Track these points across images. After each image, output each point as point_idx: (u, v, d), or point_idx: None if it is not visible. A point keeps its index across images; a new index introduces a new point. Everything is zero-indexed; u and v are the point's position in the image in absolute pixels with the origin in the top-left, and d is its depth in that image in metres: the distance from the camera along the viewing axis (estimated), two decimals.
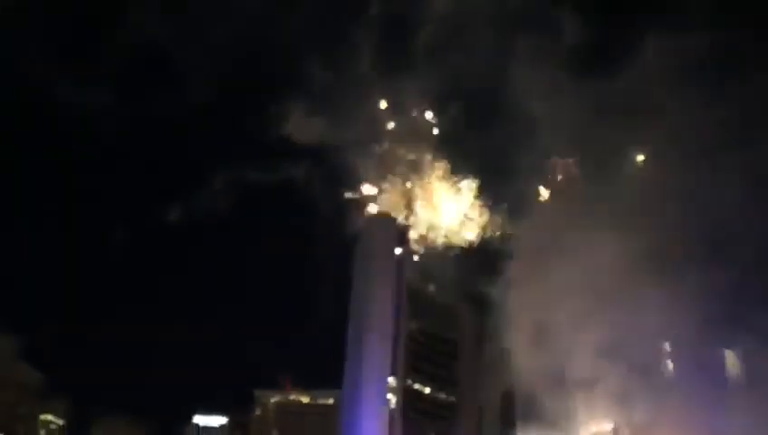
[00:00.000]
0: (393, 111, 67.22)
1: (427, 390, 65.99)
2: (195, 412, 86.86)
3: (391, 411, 62.55)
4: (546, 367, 50.23)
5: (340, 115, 61.90)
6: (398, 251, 66.51)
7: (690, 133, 48.52)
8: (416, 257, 67.34)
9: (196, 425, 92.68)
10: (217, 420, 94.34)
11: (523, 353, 51.52)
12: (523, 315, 51.68)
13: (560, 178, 63.05)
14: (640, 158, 58.97)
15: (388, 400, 63.04)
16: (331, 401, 77.26)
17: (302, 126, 62.45)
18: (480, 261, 62.00)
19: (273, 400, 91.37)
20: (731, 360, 53.74)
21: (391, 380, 63.18)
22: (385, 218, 67.26)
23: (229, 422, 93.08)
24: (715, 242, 47.51)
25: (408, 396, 64.51)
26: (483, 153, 60.24)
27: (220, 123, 70.23)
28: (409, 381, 64.72)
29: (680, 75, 50.07)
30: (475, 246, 66.13)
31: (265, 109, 64.19)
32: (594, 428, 53.49)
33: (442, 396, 67.12)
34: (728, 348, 53.65)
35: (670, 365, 54.06)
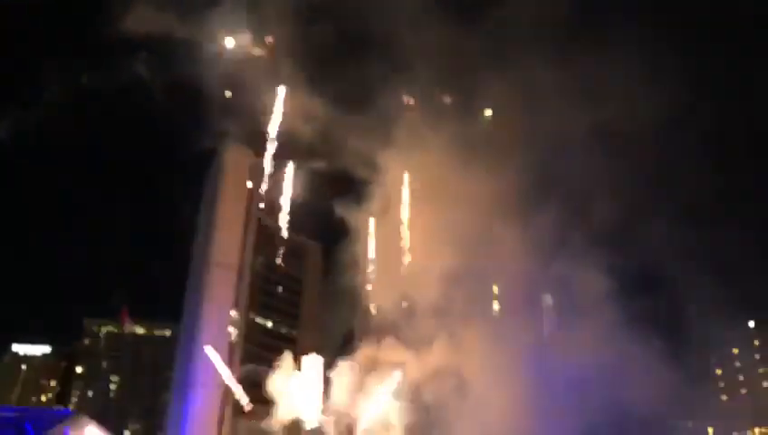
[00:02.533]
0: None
1: (269, 324, 66.62)
2: (14, 340, 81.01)
3: (231, 344, 62.51)
4: (398, 300, 51.93)
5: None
6: (249, 184, 65.25)
7: (534, 89, 51.66)
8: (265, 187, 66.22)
9: (16, 353, 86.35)
10: (40, 349, 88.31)
11: (376, 288, 52.69)
12: (379, 250, 52.85)
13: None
14: (488, 113, 61.80)
15: (229, 332, 62.95)
16: (167, 332, 75.14)
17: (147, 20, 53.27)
18: (340, 186, 60.62)
19: (104, 329, 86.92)
20: (547, 303, 58.97)
21: (233, 313, 63.31)
22: (238, 149, 65.14)
23: (53, 351, 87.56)
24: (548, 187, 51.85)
25: (249, 329, 64.30)
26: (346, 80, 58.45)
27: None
28: (251, 315, 65.10)
29: (532, 35, 52.61)
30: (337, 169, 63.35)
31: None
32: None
33: (284, 330, 67.81)
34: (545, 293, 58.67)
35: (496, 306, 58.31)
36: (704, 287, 57.43)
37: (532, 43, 52.03)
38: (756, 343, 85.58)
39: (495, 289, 57.08)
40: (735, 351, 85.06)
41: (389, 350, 52.96)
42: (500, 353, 48.67)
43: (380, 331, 54.02)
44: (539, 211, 50.28)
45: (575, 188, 52.43)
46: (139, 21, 49.90)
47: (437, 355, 49.69)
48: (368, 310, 55.22)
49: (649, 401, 48.39)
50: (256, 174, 66.06)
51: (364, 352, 54.24)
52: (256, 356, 61.77)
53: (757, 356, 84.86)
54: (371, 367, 53.12)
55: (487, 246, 50.44)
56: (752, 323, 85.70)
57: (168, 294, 61.08)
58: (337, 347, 62.56)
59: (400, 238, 53.51)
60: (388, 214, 54.32)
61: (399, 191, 56.81)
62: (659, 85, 52.19)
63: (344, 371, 52.32)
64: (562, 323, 54.25)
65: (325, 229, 60.45)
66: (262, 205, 65.17)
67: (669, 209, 57.40)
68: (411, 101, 59.77)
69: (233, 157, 65.12)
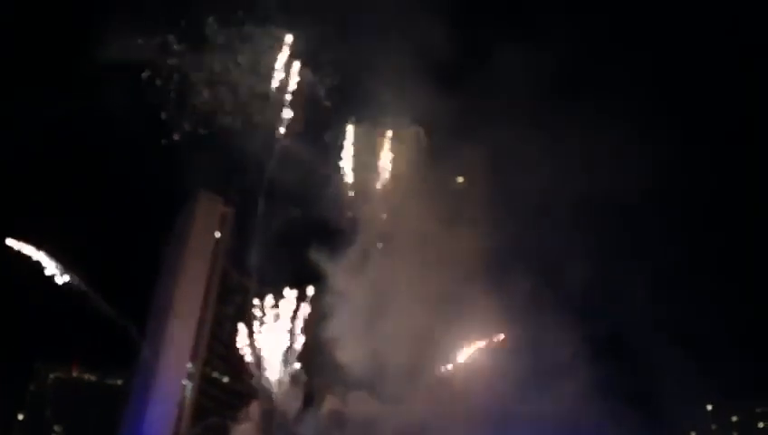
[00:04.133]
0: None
1: (226, 379, 65.02)
2: None
3: (183, 399, 60.80)
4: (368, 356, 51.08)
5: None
6: (217, 234, 64.69)
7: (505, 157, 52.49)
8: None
9: None
10: None
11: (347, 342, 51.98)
12: (346, 308, 52.30)
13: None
14: (460, 179, 62.82)
15: (184, 386, 61.32)
16: (119, 382, 72.82)
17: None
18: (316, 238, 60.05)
19: (52, 375, 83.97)
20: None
21: (189, 365, 61.76)
22: (209, 197, 64.53)
23: None
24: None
25: (203, 383, 62.62)
26: None
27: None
28: (208, 369, 63.44)
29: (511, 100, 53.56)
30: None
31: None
32: None
33: (238, 386, 66.07)
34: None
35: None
36: (669, 362, 58.21)
37: (511, 107, 53.46)
38: (713, 427, 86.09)
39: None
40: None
41: (359, 403, 52.65)
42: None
43: (350, 385, 53.53)
44: (508, 275, 50.93)
45: (547, 254, 53.42)
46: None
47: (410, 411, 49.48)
48: (337, 364, 54.39)
49: None
50: (225, 223, 66.04)
51: (329, 404, 54.00)
52: (212, 411, 60.26)
53: None
54: (339, 421, 52.70)
55: (457, 307, 50.87)
56: (709, 407, 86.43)
57: (122, 342, 58.91)
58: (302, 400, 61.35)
59: (372, 293, 53.12)
60: (361, 267, 54.04)
61: (374, 245, 56.85)
62: (643, 157, 53.77)
63: (310, 424, 52.00)
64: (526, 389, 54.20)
65: (296, 279, 59.83)
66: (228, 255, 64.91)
67: (640, 281, 58.07)
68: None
69: (203, 205, 64.76)
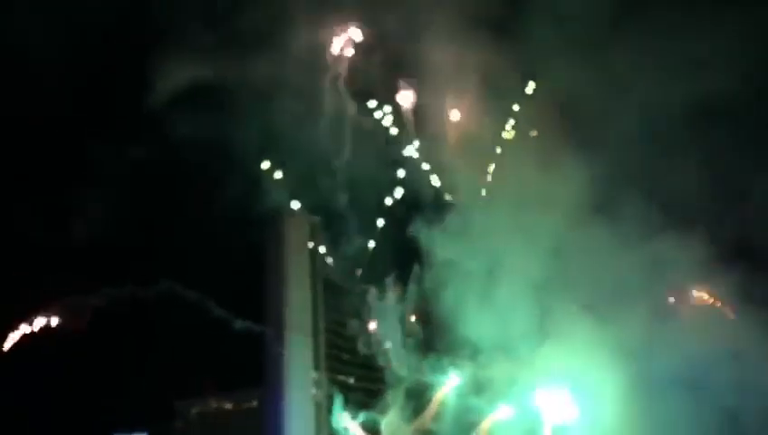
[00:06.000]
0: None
1: (351, 380, 65.94)
2: (113, 431, 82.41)
3: (317, 406, 62.23)
4: None
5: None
6: (311, 244, 65.30)
7: None
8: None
9: None
10: None
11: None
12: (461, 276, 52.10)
13: None
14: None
15: (313, 394, 62.74)
16: (254, 403, 75.45)
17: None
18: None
19: (194, 410, 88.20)
20: None
21: (314, 374, 62.32)
22: (296, 216, 64.73)
23: None
24: None
25: (332, 388, 62.56)
26: None
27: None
28: (333, 374, 64.58)
29: None
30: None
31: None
32: None
33: (366, 383, 66.89)
34: None
35: None
36: None
37: None
38: None
39: None
40: None
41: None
42: None
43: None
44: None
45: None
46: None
47: None
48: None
49: None
50: (316, 231, 66.79)
51: None
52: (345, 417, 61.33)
53: None
54: None
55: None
56: None
57: (245, 364, 60.91)
58: None
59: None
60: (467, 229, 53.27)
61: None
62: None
63: None
64: None
65: (403, 268, 59.97)
66: (329, 260, 65.75)
67: None
68: None
69: (292, 223, 65.57)
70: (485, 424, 53.56)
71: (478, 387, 54.29)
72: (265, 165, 57.80)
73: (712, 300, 55.83)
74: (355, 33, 55.68)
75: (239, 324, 54.92)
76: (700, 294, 56.41)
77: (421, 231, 55.63)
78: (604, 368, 47.65)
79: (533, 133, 58.89)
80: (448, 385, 55.85)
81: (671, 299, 55.68)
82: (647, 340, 48.06)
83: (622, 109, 51.52)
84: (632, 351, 47.48)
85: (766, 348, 48.62)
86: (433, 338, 57.54)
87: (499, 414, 53.34)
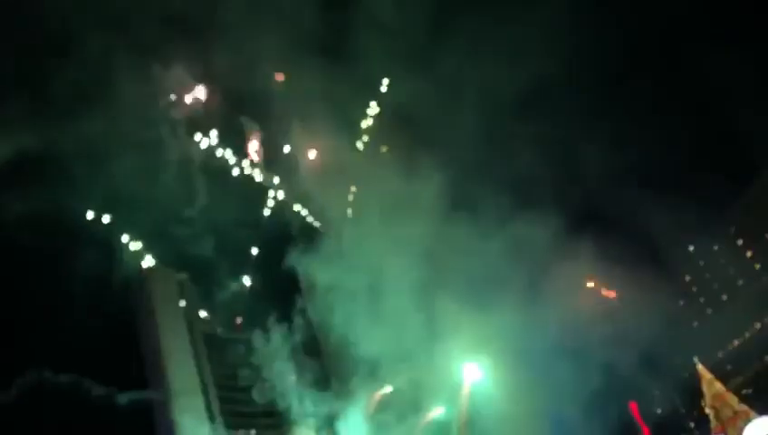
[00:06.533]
0: None
1: (253, 432, 62.98)
2: None
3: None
4: None
5: None
6: (182, 303, 62.74)
7: None
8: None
9: None
10: None
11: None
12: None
13: None
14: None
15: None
16: None
17: None
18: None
19: None
20: None
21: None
22: (161, 273, 62.19)
23: None
24: None
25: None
26: None
27: None
28: (234, 431, 61.11)
29: None
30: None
31: None
32: None
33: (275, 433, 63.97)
34: None
35: None
36: None
37: None
38: None
39: None
40: None
41: None
42: None
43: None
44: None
45: None
46: None
47: None
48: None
49: None
50: (184, 289, 63.62)
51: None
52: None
53: None
54: None
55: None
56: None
57: None
58: None
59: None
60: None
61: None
62: None
63: None
64: None
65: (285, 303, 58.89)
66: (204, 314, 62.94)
67: None
68: None
69: (158, 281, 61.91)
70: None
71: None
72: (107, 220, 53.53)
73: (577, 273, 59.46)
74: (187, 80, 54.64)
75: (123, 399, 50.25)
76: (568, 269, 59.96)
77: (296, 262, 55.18)
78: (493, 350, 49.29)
79: (384, 148, 60.67)
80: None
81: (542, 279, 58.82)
82: (523, 316, 50.36)
83: (459, 107, 54.29)
84: (513, 326, 49.45)
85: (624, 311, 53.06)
86: (329, 366, 56.79)
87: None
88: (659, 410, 67.57)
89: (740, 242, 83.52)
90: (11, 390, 47.12)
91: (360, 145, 60.05)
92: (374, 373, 52.80)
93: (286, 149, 58.60)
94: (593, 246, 55.29)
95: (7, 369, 46.96)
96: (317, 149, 58.58)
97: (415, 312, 51.17)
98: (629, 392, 53.97)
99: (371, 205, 54.89)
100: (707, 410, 39.05)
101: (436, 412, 52.48)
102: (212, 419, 59.09)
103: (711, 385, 39.11)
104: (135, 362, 56.47)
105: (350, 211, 58.39)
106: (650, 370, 58.28)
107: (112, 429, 49.96)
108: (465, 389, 50.34)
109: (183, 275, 61.98)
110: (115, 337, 54.81)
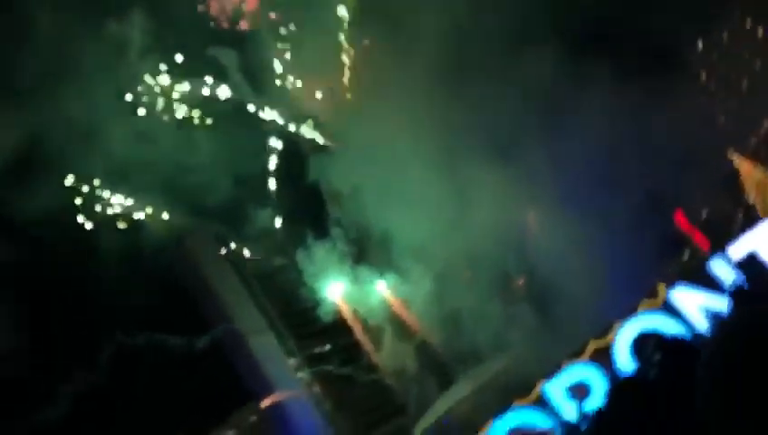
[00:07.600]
0: None
1: (327, 347, 64.26)
2: None
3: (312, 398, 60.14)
4: None
5: None
6: (223, 251, 63.56)
7: None
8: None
9: None
10: None
11: None
12: None
13: None
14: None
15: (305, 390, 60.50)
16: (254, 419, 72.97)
17: None
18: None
19: None
20: None
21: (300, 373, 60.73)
22: (197, 235, 62.41)
23: None
24: None
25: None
26: None
27: None
28: (308, 351, 62.68)
29: None
30: None
31: None
32: None
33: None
34: None
35: None
36: None
37: None
38: None
39: None
40: None
41: None
42: None
43: None
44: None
45: None
46: None
47: None
48: None
49: None
50: (222, 238, 64.10)
51: None
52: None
53: None
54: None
55: None
56: None
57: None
58: None
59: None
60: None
61: None
62: None
63: None
64: None
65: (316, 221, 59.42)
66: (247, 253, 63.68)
67: None
68: None
69: (197, 244, 62.31)
70: None
71: None
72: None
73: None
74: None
75: (202, 342, 51.59)
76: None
77: (315, 176, 55.05)
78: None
79: (365, 42, 58.75)
80: None
81: None
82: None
83: None
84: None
85: None
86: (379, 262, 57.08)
87: None
88: (705, 214, 66.79)
89: (748, 22, 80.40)
90: (97, 368, 48.68)
91: (341, 36, 57.98)
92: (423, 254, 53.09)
93: (270, 70, 57.20)
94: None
95: (86, 351, 48.36)
96: (300, 57, 57.08)
97: (449, 181, 49.84)
98: (672, 204, 53.34)
99: (369, 90, 53.79)
100: (751, 202, 38.49)
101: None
102: (290, 352, 60.60)
103: (750, 174, 38.34)
104: (196, 323, 57.60)
105: (348, 96, 57.19)
106: (688, 177, 57.13)
107: (194, 378, 51.55)
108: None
109: (214, 224, 62.28)
110: (170, 303, 55.71)
